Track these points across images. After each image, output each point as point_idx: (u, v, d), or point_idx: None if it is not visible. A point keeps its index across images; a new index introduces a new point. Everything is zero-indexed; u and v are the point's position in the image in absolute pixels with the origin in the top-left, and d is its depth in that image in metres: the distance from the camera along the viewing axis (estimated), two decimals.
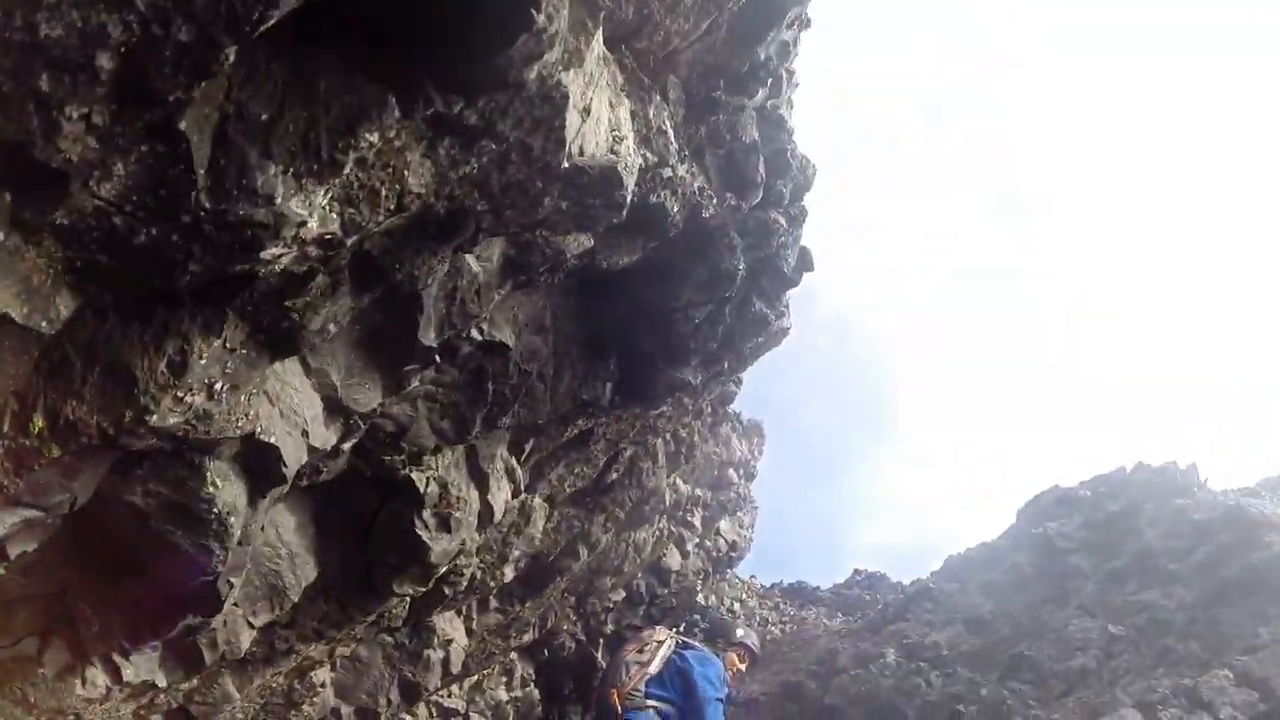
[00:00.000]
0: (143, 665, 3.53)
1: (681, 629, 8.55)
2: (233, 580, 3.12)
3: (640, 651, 7.50)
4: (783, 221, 4.75)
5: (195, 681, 3.86)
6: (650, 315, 4.34)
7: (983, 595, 10.48)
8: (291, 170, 1.87)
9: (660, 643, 7.62)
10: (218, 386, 2.28)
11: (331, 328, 2.54)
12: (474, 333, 3.57)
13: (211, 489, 2.57)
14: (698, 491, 9.50)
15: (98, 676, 3.47)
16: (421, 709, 6.06)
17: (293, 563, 3.73)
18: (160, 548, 2.76)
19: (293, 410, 2.82)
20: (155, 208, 1.82)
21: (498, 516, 4.42)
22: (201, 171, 1.80)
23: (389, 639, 5.11)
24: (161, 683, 3.61)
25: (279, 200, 1.85)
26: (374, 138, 1.98)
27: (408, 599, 4.66)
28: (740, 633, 9.41)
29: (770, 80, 4.37)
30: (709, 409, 8.13)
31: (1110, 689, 8.66)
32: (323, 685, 4.70)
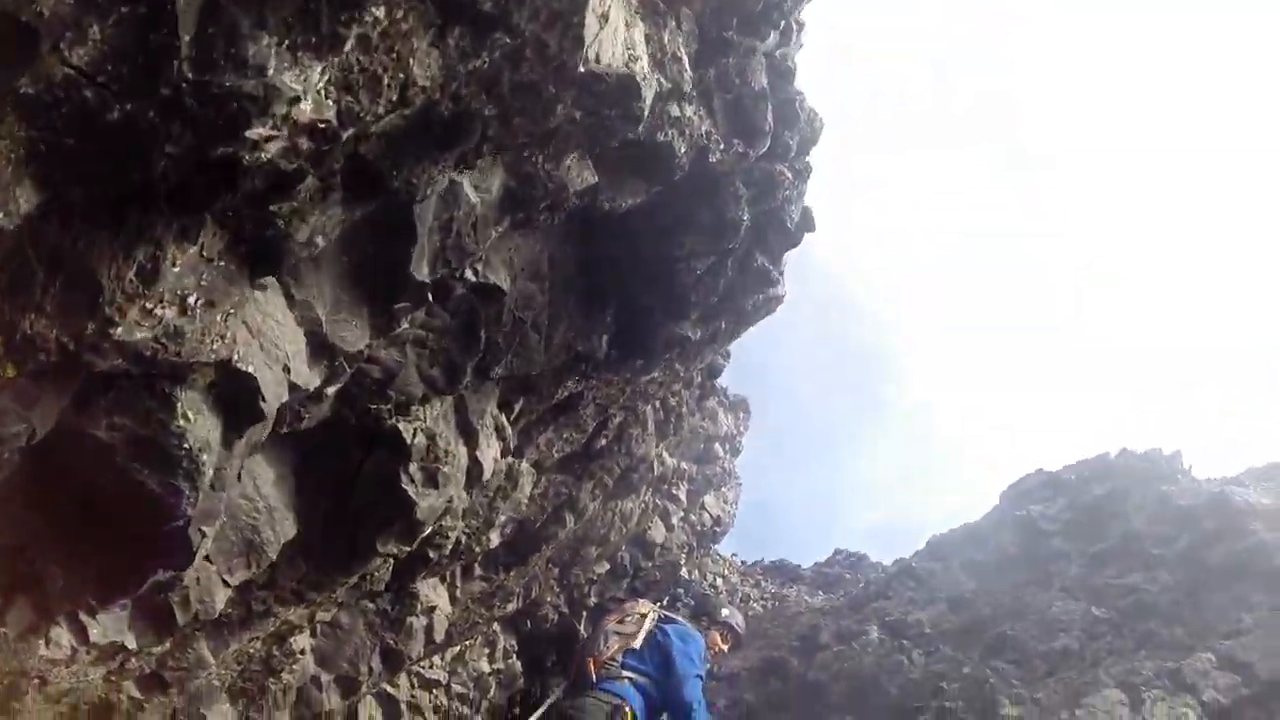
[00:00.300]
0: (111, 625, 3.30)
1: (665, 603, 8.45)
2: (205, 530, 2.89)
3: (621, 622, 7.36)
4: (789, 174, 4.58)
5: (168, 645, 3.63)
6: (651, 265, 4.15)
7: (966, 575, 10.45)
8: (287, 43, 1.65)
9: (643, 615, 7.48)
10: (191, 300, 2.05)
11: (319, 241, 2.32)
12: (468, 273, 3.36)
13: (182, 422, 2.34)
14: (683, 465, 9.36)
15: (62, 636, 3.23)
16: (403, 679, 5.86)
17: (271, 517, 3.51)
18: (126, 489, 2.52)
19: (274, 344, 2.60)
20: (131, 79, 1.59)
21: (487, 474, 4.23)
22: (187, 38, 1.58)
23: (371, 605, 4.91)
24: (131, 644, 3.38)
25: (270, 72, 1.63)
26: (379, 13, 1.76)
27: (391, 561, 4.45)
28: (725, 612, 9.33)
29: (782, 24, 4.18)
30: (698, 377, 7.98)
31: (1093, 670, 8.65)
32: (302, 652, 4.49)
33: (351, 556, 3.85)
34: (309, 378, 2.77)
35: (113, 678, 3.51)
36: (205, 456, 2.44)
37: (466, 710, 6.54)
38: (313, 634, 4.61)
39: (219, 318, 2.20)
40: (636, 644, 7.08)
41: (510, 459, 5.09)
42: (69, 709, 3.39)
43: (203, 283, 2.06)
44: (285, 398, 2.66)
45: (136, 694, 3.56)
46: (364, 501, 3.68)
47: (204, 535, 2.87)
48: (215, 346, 2.23)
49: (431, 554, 4.69)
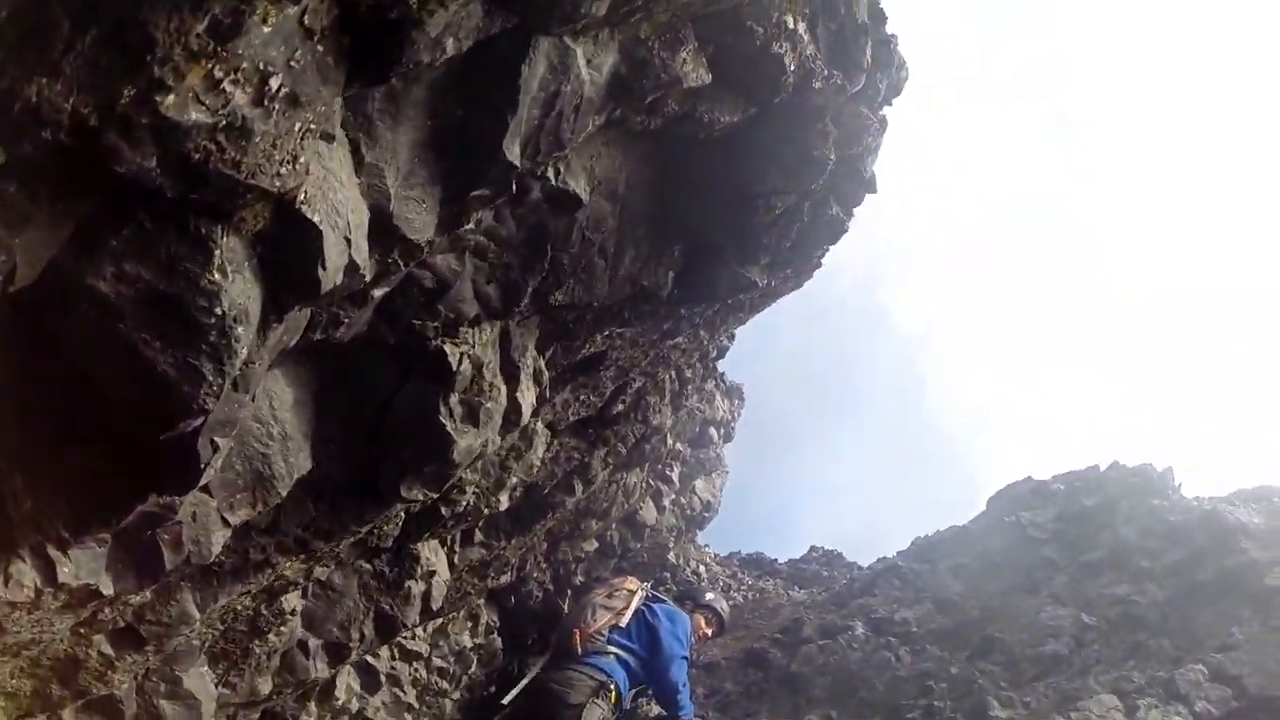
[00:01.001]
0: (85, 564, 2.68)
1: (652, 584, 8.07)
2: (219, 441, 2.30)
3: (610, 597, 6.94)
4: (874, 121, 4.16)
5: (149, 594, 3.04)
6: (729, 199, 3.68)
7: (952, 577, 10.24)
8: None
9: (631, 592, 7.08)
10: (273, 85, 1.49)
11: (449, 46, 1.78)
12: (550, 173, 2.85)
13: (218, 277, 1.76)
14: (678, 446, 8.94)
15: (25, 573, 2.60)
16: (383, 650, 5.31)
17: (285, 447, 2.94)
18: (130, 371, 1.92)
19: (334, 208, 2.06)
20: None
21: (525, 419, 3.72)
22: None
23: (368, 566, 4.35)
24: (108, 590, 2.76)
25: None
26: None
27: (403, 515, 3.93)
28: (710, 596, 8.99)
29: None
30: (714, 351, 7.55)
31: (1082, 676, 8.49)
32: (292, 613, 3.91)
33: (370, 501, 3.30)
34: (366, 261, 2.23)
35: (83, 630, 2.91)
36: (240, 331, 1.86)
37: (446, 685, 6.02)
38: (304, 594, 4.04)
39: (297, 128, 1.64)
40: (624, 620, 6.71)
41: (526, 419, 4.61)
42: (28, 663, 2.78)
43: (293, 63, 1.50)
44: (340, 279, 2.11)
45: (108, 650, 2.96)
46: (394, 437, 3.14)
47: (216, 449, 2.29)
48: (282, 171, 1.66)
49: (444, 510, 4.17)
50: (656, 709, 7.10)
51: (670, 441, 8.24)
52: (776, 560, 12.73)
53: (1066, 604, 9.44)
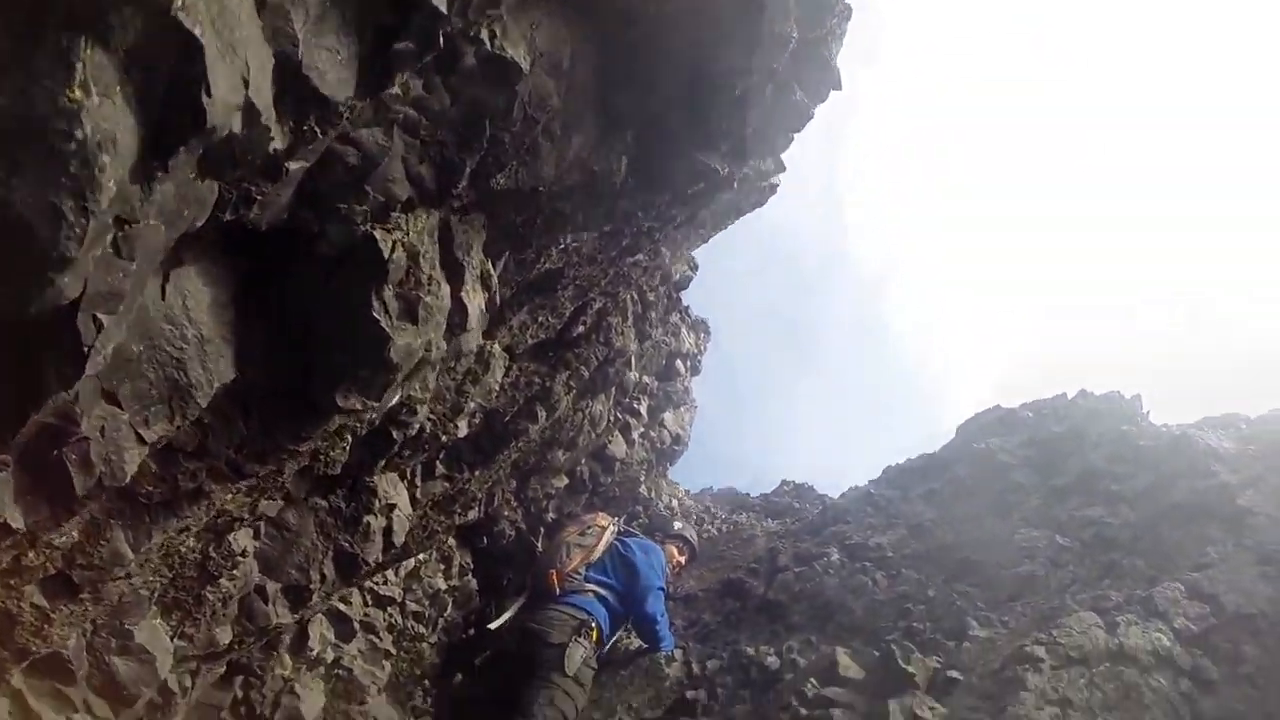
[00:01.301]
0: None
1: (623, 519, 7.96)
2: (102, 319, 2.00)
3: (582, 534, 6.82)
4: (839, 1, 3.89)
5: (75, 533, 2.76)
6: (683, 78, 3.40)
7: (925, 503, 10.26)
8: None
9: (603, 528, 6.97)
10: None
11: None
12: (484, 36, 2.55)
13: (79, 94, 1.48)
14: (645, 379, 8.75)
15: None
16: (355, 597, 5.09)
17: (203, 352, 2.65)
18: None
19: (230, 46, 1.76)
20: None
21: (471, 322, 3.44)
22: None
23: (323, 502, 4.08)
24: (17, 522, 2.48)
25: None
26: None
27: (349, 436, 3.66)
28: (678, 525, 8.94)
29: None
30: (676, 274, 7.30)
31: (1059, 596, 8.56)
32: (244, 555, 3.65)
33: (304, 415, 3.03)
34: (270, 112, 1.93)
35: (11, 581, 2.64)
36: (105, 160, 1.57)
37: (422, 629, 5.84)
38: (255, 535, 3.77)
39: None
40: (597, 556, 6.63)
41: (481, 341, 4.34)
42: None
43: None
44: (238, 126, 1.82)
45: (41, 600, 2.70)
46: (324, 337, 2.86)
47: (101, 328, 1.99)
48: None
49: (395, 433, 3.91)
50: (637, 642, 7.04)
51: (637, 374, 8.04)
52: (749, 495, 12.70)
53: (1039, 527, 9.48)
